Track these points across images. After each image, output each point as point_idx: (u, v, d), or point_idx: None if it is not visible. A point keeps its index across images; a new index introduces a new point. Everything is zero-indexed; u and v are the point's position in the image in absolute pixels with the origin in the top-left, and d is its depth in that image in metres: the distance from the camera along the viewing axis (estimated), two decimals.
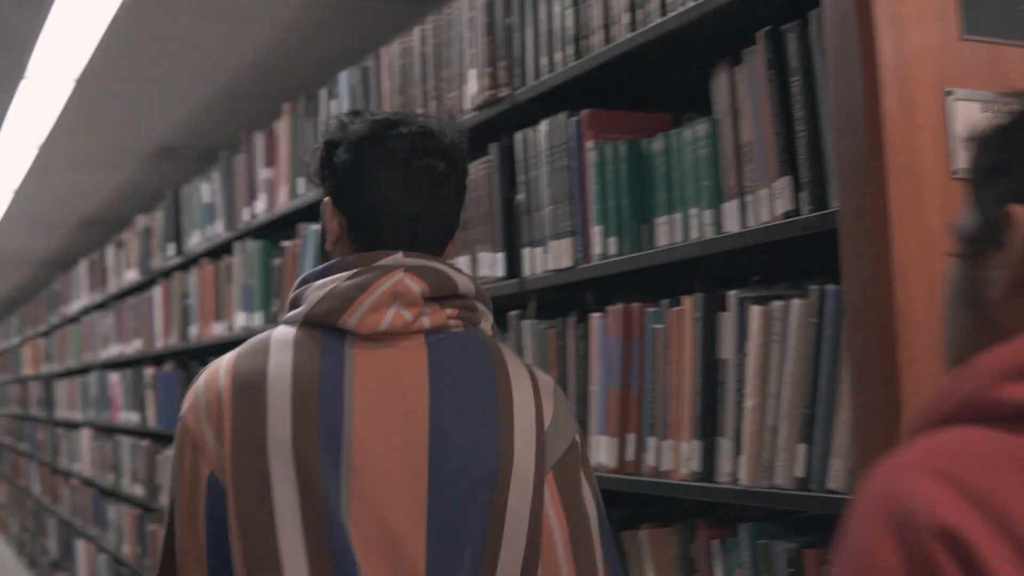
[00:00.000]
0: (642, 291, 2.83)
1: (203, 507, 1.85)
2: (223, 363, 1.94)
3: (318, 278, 1.96)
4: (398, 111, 2.08)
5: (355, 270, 1.93)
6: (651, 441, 2.63)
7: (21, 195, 8.69)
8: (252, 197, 5.34)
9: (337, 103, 4.43)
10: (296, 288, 1.99)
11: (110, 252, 8.70)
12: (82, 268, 9.99)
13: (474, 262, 3.38)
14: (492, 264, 3.29)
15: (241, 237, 5.47)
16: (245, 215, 5.43)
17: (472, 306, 1.98)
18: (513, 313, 3.18)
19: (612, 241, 2.76)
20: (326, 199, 2.03)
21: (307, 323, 1.93)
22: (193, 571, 1.86)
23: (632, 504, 2.92)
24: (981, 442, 1.01)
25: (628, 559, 2.75)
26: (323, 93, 4.60)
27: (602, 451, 2.79)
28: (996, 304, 1.12)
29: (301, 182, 4.75)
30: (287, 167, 4.92)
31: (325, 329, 1.91)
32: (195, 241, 6.32)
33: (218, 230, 5.88)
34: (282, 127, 5.02)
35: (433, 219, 2.01)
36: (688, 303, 2.53)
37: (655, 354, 2.64)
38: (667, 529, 2.67)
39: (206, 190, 6.17)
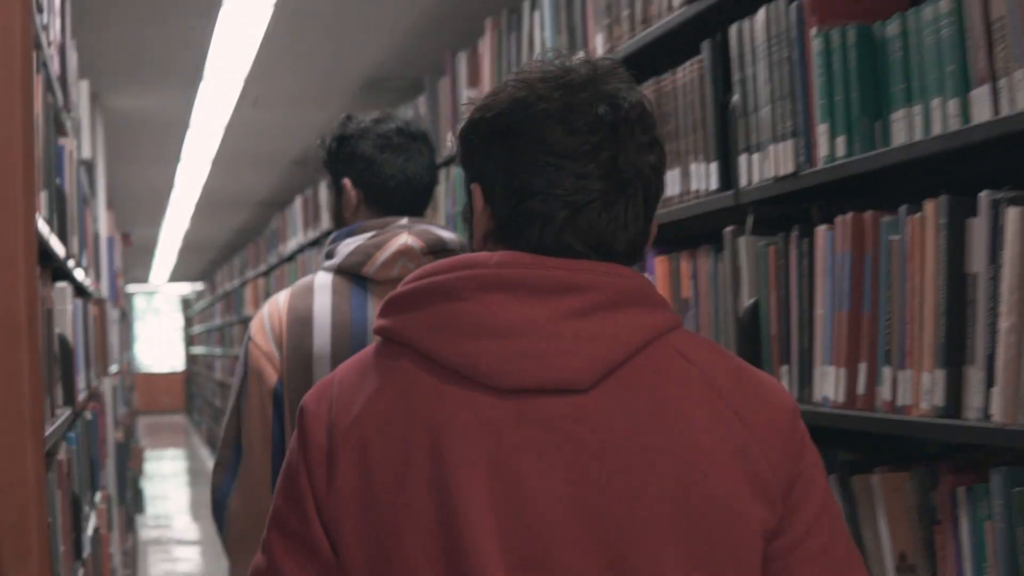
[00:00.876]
0: (876, 197, 2.52)
1: (270, 402, 2.60)
2: (280, 301, 2.67)
3: (346, 237, 2.67)
4: (383, 111, 2.81)
5: (373, 232, 2.65)
6: (886, 371, 2.36)
7: (232, 132, 8.66)
8: (456, 121, 5.14)
9: (540, 14, 4.17)
10: (329, 243, 2.70)
11: (323, 189, 8.62)
12: (297, 206, 9.96)
13: (685, 175, 3.07)
14: (704, 176, 2.99)
15: (446, 164, 5.28)
16: (449, 140, 5.23)
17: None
18: (728, 229, 2.88)
19: (840, 141, 2.47)
20: (345, 179, 2.73)
21: (339, 271, 2.65)
22: (260, 449, 2.61)
23: (864, 445, 2.65)
24: (367, 352, 1.64)
25: (857, 507, 2.44)
26: (526, 5, 4.36)
27: (829, 383, 2.52)
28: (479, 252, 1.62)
29: None
30: (491, 85, 4.67)
31: (352, 275, 2.64)
32: None
33: None
34: (485, 45, 4.83)
35: (423, 187, 2.77)
36: (930, 208, 2.24)
37: (891, 270, 2.35)
38: (904, 474, 2.39)
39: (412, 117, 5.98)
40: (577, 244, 1.58)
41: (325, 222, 8.56)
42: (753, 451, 1.54)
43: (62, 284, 3.84)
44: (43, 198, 3.02)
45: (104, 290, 7.58)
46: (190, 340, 27.14)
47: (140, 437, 20.16)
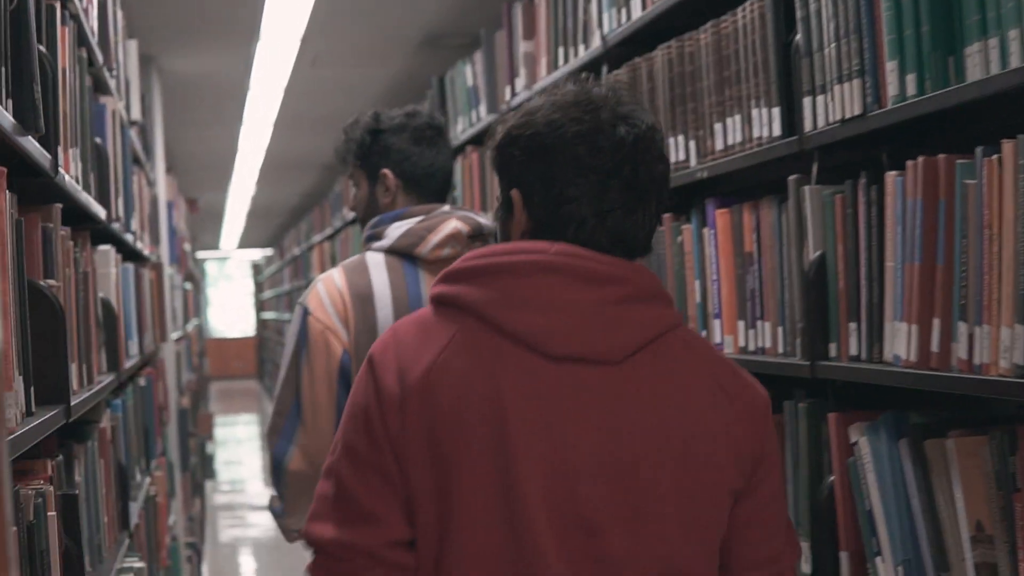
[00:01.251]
0: (950, 139, 2.35)
1: (337, 373, 2.82)
2: (335, 277, 2.90)
3: (392, 221, 2.95)
4: (411, 107, 3.10)
5: (421, 216, 2.95)
6: (961, 328, 2.18)
7: (292, 93, 8.53)
8: (513, 75, 4.99)
9: None
10: (372, 227, 2.98)
11: None
12: None
13: (746, 122, 2.90)
14: (766, 121, 2.81)
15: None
16: (506, 95, 5.07)
17: (488, 240, 2.91)
18: (792, 178, 2.70)
19: (911, 79, 2.29)
20: (385, 169, 3.02)
21: (391, 251, 2.91)
22: (326, 415, 2.81)
23: (938, 406, 2.48)
24: (423, 314, 1.95)
25: (930, 473, 2.28)
26: None
27: (900, 341, 2.34)
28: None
29: (561, 52, 4.34)
30: (547, 37, 4.53)
31: (403, 256, 2.90)
32: (460, 128, 6.02)
33: (481, 114, 5.57)
34: None
35: (449, 176, 3.10)
36: (1009, 149, 2.05)
37: (967, 217, 2.17)
38: (981, 438, 2.23)
39: (469, 73, 5.85)
40: (604, 242, 1.94)
41: None
42: (737, 429, 1.95)
43: (105, 247, 3.73)
44: (73, 155, 2.90)
45: (164, 255, 7.49)
46: (261, 305, 27.19)
47: (211, 402, 20.23)
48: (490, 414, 1.86)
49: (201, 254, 26.35)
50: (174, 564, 6.05)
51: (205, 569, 9.05)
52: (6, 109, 2.06)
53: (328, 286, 2.89)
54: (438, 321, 1.93)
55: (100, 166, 3.56)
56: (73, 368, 2.81)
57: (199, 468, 10.68)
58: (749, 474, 1.96)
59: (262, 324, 26.48)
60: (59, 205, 2.63)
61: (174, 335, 8.14)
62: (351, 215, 10.46)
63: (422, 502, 1.88)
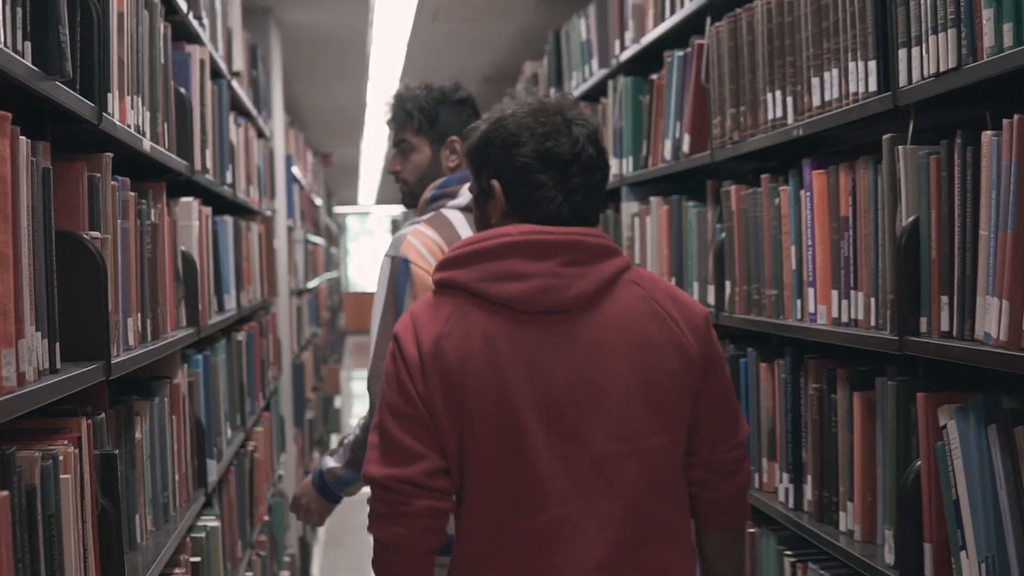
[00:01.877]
0: None
1: None
2: (425, 232, 3.16)
3: (462, 182, 3.26)
4: (455, 81, 3.44)
5: None
6: None
7: (415, 47, 8.40)
8: (623, 28, 4.80)
9: None
10: (441, 187, 3.30)
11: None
12: None
13: (843, 76, 2.70)
14: (862, 76, 2.61)
15: (614, 75, 4.95)
16: (616, 49, 4.89)
17: None
18: (887, 137, 2.50)
19: (1007, 28, 2.07)
20: (454, 136, 3.34)
21: (466, 208, 3.18)
22: None
23: None
24: (429, 297, 2.48)
25: (1021, 462, 2.06)
26: None
27: (991, 318, 2.13)
28: (496, 227, 2.48)
29: (667, 4, 4.14)
30: None
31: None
32: (574, 84, 5.85)
33: (594, 68, 5.39)
34: None
35: None
36: None
37: None
38: None
39: (583, 27, 5.67)
40: (570, 217, 2.44)
41: None
42: (684, 343, 2.43)
43: (187, 199, 3.63)
44: (133, 103, 2.79)
45: (281, 208, 7.43)
46: None
47: (346, 357, 20.28)
48: (487, 362, 2.37)
49: (340, 209, 26.44)
50: (275, 520, 5.98)
51: None
52: (22, 53, 1.93)
53: (422, 239, 3.14)
54: (441, 300, 2.45)
55: (181, 116, 3.45)
56: (130, 323, 2.70)
57: (320, 423, 10.67)
58: (700, 376, 2.45)
59: None
60: (109, 155, 2.52)
61: (293, 289, 8.08)
62: None
63: (448, 440, 2.39)
